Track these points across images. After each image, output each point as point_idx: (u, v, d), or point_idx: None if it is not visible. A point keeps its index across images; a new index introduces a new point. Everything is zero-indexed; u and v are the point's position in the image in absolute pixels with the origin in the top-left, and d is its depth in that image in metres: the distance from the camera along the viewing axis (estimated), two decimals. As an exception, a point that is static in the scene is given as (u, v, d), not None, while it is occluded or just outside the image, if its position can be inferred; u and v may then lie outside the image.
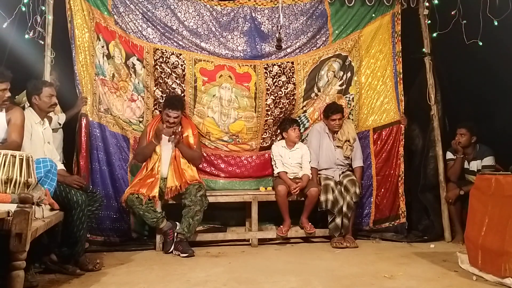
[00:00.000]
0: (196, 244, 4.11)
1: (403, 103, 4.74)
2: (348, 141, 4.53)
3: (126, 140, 4.39)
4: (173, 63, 4.45)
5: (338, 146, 4.55)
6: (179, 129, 4.26)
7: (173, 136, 4.13)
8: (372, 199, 4.71)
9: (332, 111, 4.49)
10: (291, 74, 4.69)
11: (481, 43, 4.11)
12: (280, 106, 4.68)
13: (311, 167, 4.52)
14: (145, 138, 4.25)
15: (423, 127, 4.89)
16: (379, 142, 4.77)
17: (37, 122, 3.34)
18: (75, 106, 4.08)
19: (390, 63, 4.78)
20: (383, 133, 4.76)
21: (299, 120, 4.76)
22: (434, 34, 4.68)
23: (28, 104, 3.46)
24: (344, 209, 4.30)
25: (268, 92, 4.64)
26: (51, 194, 2.90)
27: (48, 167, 2.88)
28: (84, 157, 4.03)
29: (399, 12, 4.77)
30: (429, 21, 4.70)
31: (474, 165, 4.41)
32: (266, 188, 4.61)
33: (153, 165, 4.14)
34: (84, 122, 4.07)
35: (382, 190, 4.72)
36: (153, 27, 4.43)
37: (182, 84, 4.49)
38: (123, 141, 4.37)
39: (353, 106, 4.83)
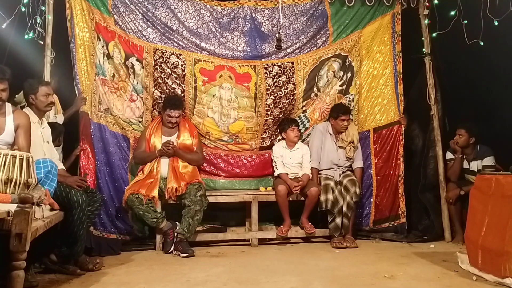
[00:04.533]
0: (196, 244, 4.11)
1: (403, 103, 4.74)
2: (352, 142, 4.53)
3: (126, 140, 4.38)
4: (173, 63, 4.45)
5: (341, 147, 4.55)
6: (177, 132, 4.29)
7: (166, 148, 4.12)
8: (372, 199, 4.71)
9: (342, 111, 4.49)
10: (291, 74, 4.69)
11: (482, 43, 4.10)
12: (280, 106, 4.68)
13: (312, 167, 4.52)
14: (144, 141, 4.25)
15: (423, 127, 4.90)
16: (379, 142, 4.77)
17: (35, 121, 3.32)
18: (73, 105, 4.07)
19: (390, 63, 4.79)
20: (383, 133, 4.77)
21: (299, 120, 4.76)
22: (434, 34, 4.69)
23: (27, 104, 3.47)
24: (344, 209, 4.30)
25: (268, 92, 4.64)
26: (51, 194, 2.90)
27: (48, 168, 2.88)
28: (87, 154, 4.02)
29: (399, 12, 4.78)
30: (429, 21, 4.70)
31: (475, 165, 4.41)
32: (266, 188, 4.61)
33: (152, 166, 4.14)
34: (85, 120, 4.07)
35: (382, 190, 4.72)
36: (153, 27, 4.43)
37: (182, 84, 4.49)
38: (123, 141, 4.36)
39: (353, 106, 4.83)
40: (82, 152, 3.99)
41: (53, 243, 3.31)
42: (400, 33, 4.77)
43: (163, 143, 4.16)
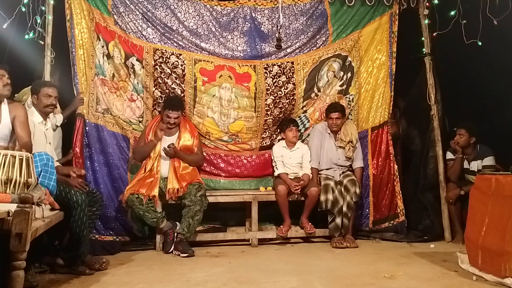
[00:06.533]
0: (196, 244, 4.11)
1: (391, 103, 4.76)
2: (351, 142, 4.53)
3: (126, 140, 4.38)
4: (173, 63, 4.46)
5: (340, 147, 4.55)
6: (177, 133, 4.29)
7: (168, 149, 4.12)
8: (370, 199, 4.71)
9: (330, 109, 4.52)
10: (291, 74, 4.69)
11: (480, 43, 4.10)
12: (279, 106, 4.68)
13: (312, 167, 4.52)
14: (143, 139, 4.25)
15: (423, 127, 4.89)
16: (375, 142, 4.78)
17: (39, 122, 3.35)
18: (71, 104, 4.07)
19: (387, 63, 4.78)
20: (379, 132, 4.78)
21: (299, 120, 4.76)
22: (434, 34, 4.69)
23: (29, 103, 3.49)
24: (344, 209, 4.30)
25: (268, 92, 4.64)
26: (53, 188, 2.89)
27: (44, 161, 2.87)
28: (79, 157, 4.01)
29: (397, 12, 4.77)
30: (429, 21, 4.70)
31: (475, 165, 4.41)
32: (266, 188, 4.62)
33: (151, 165, 4.14)
34: (80, 122, 4.07)
35: (380, 190, 4.73)
36: (153, 27, 4.43)
37: (182, 84, 4.49)
38: (123, 141, 4.36)
39: (353, 106, 4.83)
40: (74, 157, 3.97)
41: (56, 246, 3.32)
42: (396, 33, 4.77)
43: (167, 146, 4.13)
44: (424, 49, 4.75)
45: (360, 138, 4.70)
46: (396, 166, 4.71)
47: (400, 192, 4.67)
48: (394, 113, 5.03)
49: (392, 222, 4.65)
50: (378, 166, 4.75)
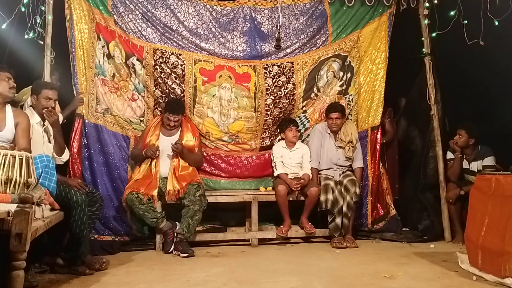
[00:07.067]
0: (196, 244, 4.11)
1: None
2: (351, 142, 4.53)
3: (126, 139, 4.38)
4: (173, 63, 4.45)
5: (340, 147, 4.55)
6: (178, 133, 4.30)
7: (176, 145, 4.12)
8: (369, 199, 4.71)
9: (330, 109, 4.53)
10: (291, 74, 4.69)
11: (482, 43, 4.10)
12: (279, 106, 4.68)
13: (312, 167, 4.52)
14: (142, 140, 4.26)
15: (423, 127, 4.90)
16: (373, 142, 4.78)
17: (37, 122, 3.35)
18: (71, 104, 4.07)
19: (385, 63, 4.78)
20: (376, 132, 4.78)
21: (299, 121, 4.76)
22: (434, 34, 4.69)
23: (29, 103, 3.49)
24: (344, 209, 4.30)
25: (268, 92, 4.64)
26: (53, 189, 2.90)
27: (45, 162, 2.88)
28: (76, 157, 4.01)
29: (394, 12, 4.77)
30: (429, 21, 4.70)
31: (475, 166, 4.41)
32: (266, 188, 4.61)
33: (150, 165, 4.14)
34: (79, 123, 4.07)
35: (377, 189, 4.73)
36: (153, 27, 4.43)
37: (181, 84, 4.49)
38: (123, 140, 4.36)
39: (353, 106, 4.83)
40: (71, 157, 3.96)
41: (56, 247, 3.32)
42: (390, 33, 4.76)
43: (175, 142, 4.14)
44: (424, 49, 4.74)
45: (360, 138, 4.71)
46: (380, 164, 4.75)
47: (388, 188, 4.73)
48: (388, 111, 5.04)
49: (386, 219, 4.67)
50: (375, 166, 4.75)
